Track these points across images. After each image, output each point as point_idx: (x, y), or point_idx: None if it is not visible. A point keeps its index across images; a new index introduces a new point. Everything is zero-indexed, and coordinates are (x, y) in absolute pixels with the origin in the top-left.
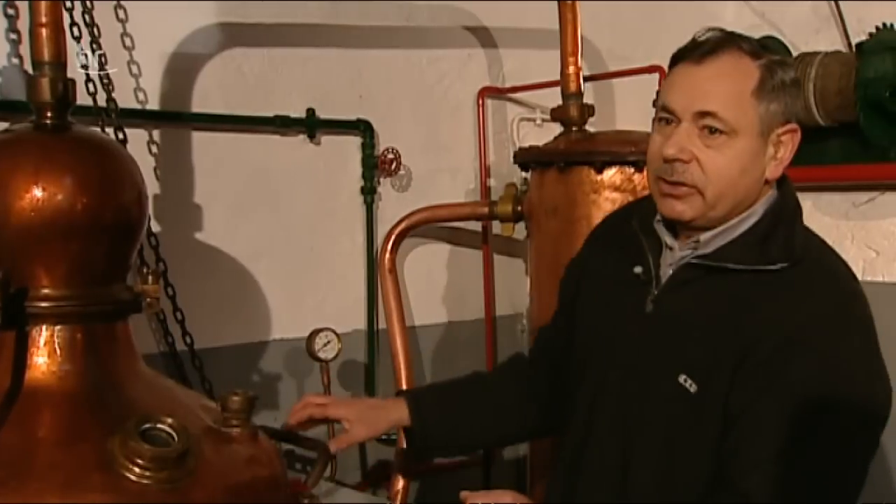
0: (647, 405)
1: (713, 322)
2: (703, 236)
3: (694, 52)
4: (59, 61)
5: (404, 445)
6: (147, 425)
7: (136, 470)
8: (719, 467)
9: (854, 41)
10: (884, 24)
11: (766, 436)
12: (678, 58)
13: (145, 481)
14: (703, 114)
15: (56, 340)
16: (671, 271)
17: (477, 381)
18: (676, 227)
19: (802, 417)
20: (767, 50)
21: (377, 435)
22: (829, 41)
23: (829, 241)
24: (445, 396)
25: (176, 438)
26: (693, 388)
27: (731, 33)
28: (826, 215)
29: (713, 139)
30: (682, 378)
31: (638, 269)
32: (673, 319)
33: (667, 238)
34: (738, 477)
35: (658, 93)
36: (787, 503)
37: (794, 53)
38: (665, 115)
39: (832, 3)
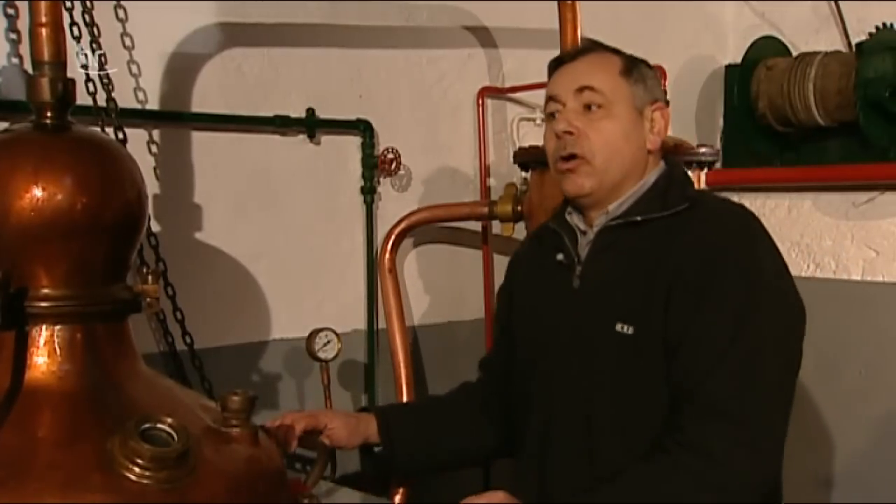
0: (594, 361)
1: (635, 270)
2: (611, 207)
3: (566, 55)
4: (59, 61)
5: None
6: (147, 425)
7: (136, 470)
8: (673, 395)
9: (854, 41)
10: (884, 24)
11: (707, 347)
12: (553, 65)
13: (145, 481)
14: (583, 88)
15: (56, 340)
16: (588, 248)
17: (437, 404)
18: (584, 213)
19: (736, 320)
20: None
21: (351, 447)
22: (828, 41)
23: (829, 241)
24: (411, 417)
25: (176, 438)
26: (630, 331)
27: (596, 42)
28: (826, 215)
29: (595, 114)
30: (618, 326)
31: (560, 256)
32: (599, 283)
33: (580, 224)
34: (695, 391)
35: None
36: (745, 393)
37: (794, 53)
38: (552, 109)
39: (832, 2)
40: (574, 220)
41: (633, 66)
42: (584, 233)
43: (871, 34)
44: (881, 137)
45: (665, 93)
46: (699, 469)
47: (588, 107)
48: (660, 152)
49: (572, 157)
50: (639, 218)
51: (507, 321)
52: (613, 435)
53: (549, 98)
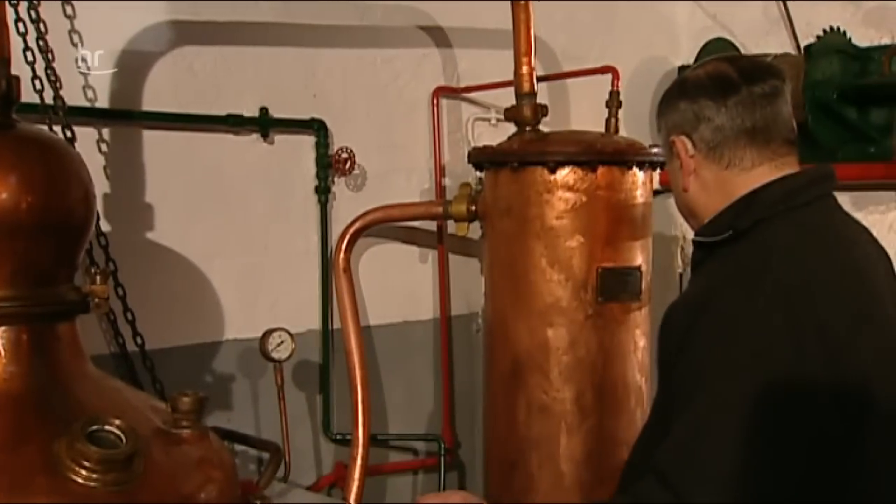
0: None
1: (687, 294)
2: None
3: None
4: (2, 57)
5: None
6: (94, 427)
7: (83, 472)
8: None
9: (803, 44)
10: (831, 27)
11: (677, 402)
12: None
13: (92, 484)
14: None
15: (0, 342)
16: None
17: None
18: None
19: (695, 381)
20: (686, 75)
21: None
22: (778, 43)
23: None
24: None
25: (124, 440)
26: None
27: (696, 68)
28: None
29: None
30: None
31: None
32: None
33: None
34: (657, 452)
35: None
36: (686, 463)
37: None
38: None
39: (781, 5)
40: None
41: (662, 104)
42: None
43: (819, 37)
44: (829, 139)
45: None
46: None
47: None
48: (725, 177)
49: None
50: (696, 238)
51: None
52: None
53: None
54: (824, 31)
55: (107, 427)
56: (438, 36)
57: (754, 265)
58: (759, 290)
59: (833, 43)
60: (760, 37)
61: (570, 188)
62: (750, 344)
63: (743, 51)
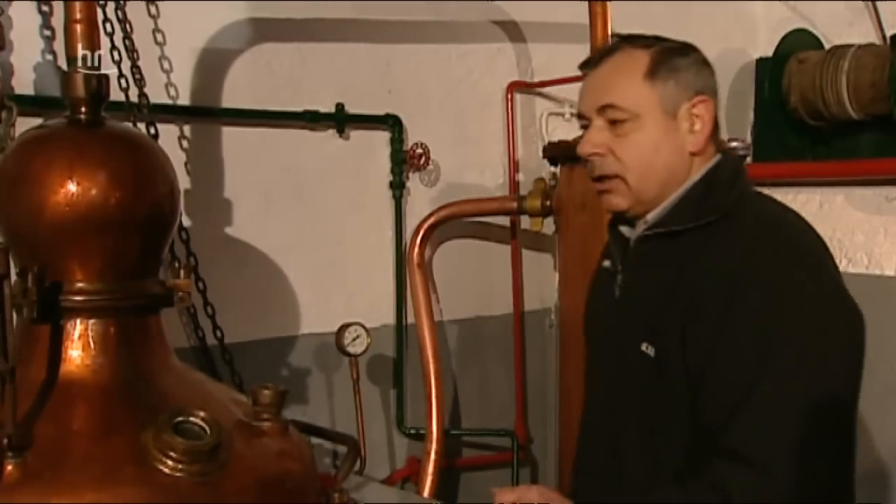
0: (623, 379)
1: (663, 286)
2: (650, 216)
3: (590, 59)
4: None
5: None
6: (180, 418)
7: (169, 463)
8: (702, 426)
9: (888, 34)
10: None
11: (730, 386)
12: (581, 70)
13: (178, 474)
14: (604, 107)
15: (90, 334)
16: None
17: None
18: (632, 220)
19: (759, 355)
20: (664, 41)
21: None
22: (862, 34)
23: (862, 236)
24: None
25: (208, 432)
26: (652, 353)
27: (627, 36)
28: (858, 210)
29: (620, 128)
30: (643, 346)
31: (606, 263)
32: (635, 295)
33: (626, 231)
34: (721, 431)
35: None
36: (771, 437)
37: (827, 46)
38: (582, 122)
39: None
40: (622, 225)
41: (663, 63)
42: (629, 240)
43: None
44: None
45: (713, 77)
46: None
47: (614, 122)
48: (712, 148)
49: (605, 177)
50: (666, 230)
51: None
52: (638, 458)
53: (576, 114)
54: None
55: (191, 419)
56: (513, 30)
57: (775, 240)
58: (800, 258)
59: None
60: (843, 27)
61: None
62: (813, 308)
63: (825, 42)
